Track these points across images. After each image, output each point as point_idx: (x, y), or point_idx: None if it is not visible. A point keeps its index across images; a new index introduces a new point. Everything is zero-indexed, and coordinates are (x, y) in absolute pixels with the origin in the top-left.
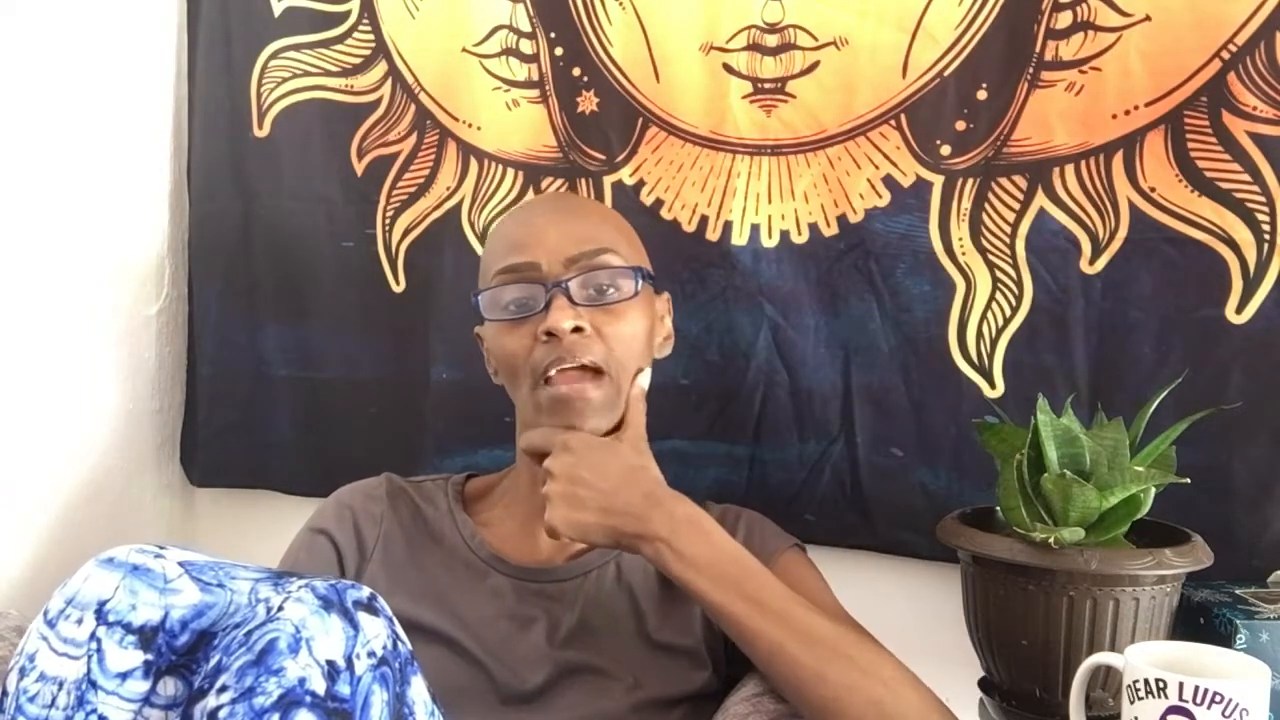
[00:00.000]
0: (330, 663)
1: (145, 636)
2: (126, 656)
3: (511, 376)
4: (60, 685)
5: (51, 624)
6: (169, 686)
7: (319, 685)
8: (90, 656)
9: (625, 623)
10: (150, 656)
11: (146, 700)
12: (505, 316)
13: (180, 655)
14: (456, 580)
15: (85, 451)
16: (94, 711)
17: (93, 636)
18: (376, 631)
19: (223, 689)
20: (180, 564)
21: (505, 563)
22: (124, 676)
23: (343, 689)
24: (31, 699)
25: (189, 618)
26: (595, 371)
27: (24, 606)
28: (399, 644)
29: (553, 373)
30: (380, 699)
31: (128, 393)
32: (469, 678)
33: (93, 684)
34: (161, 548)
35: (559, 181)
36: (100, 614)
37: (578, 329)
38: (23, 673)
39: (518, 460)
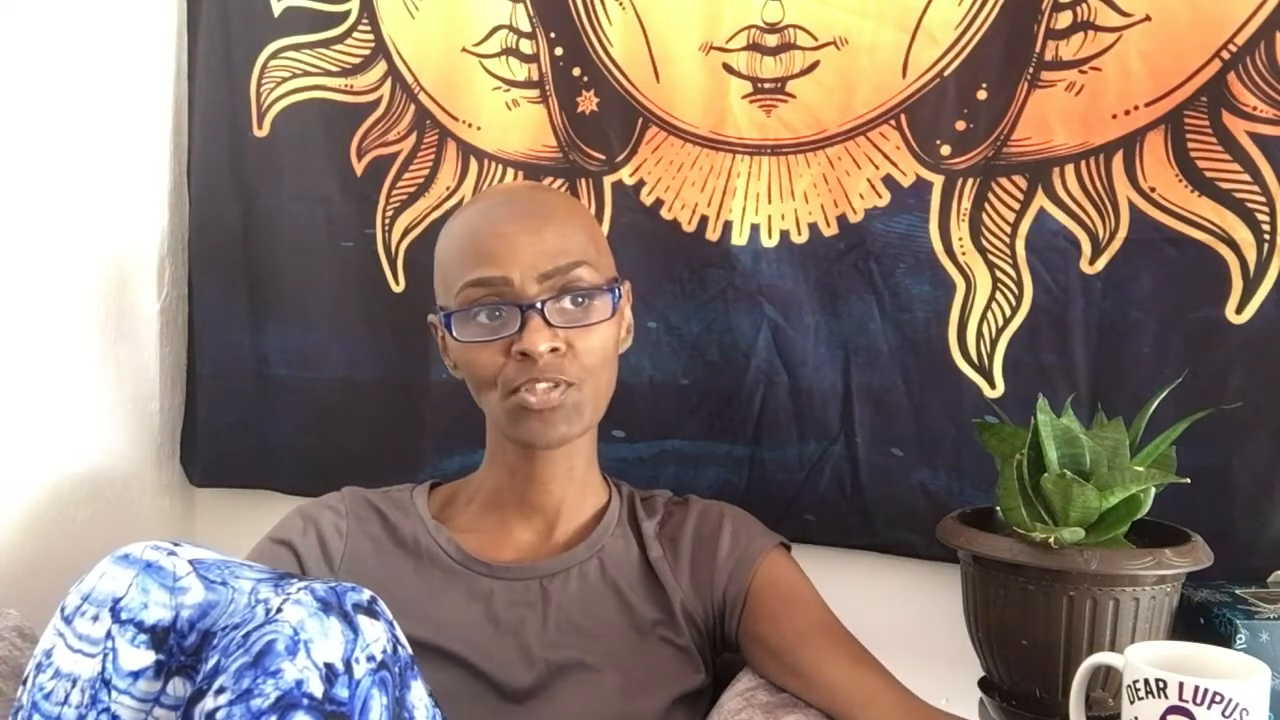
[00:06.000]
0: (329, 665)
1: (157, 636)
2: (139, 656)
3: (479, 387)
4: (74, 682)
5: (68, 620)
6: (178, 687)
7: (316, 688)
8: (106, 655)
9: (613, 617)
10: (162, 656)
11: (157, 700)
12: (478, 338)
13: (189, 655)
14: (433, 587)
15: (85, 451)
16: (106, 710)
17: (108, 635)
18: (376, 635)
19: (220, 690)
20: (190, 562)
21: (483, 564)
22: (136, 676)
23: (341, 692)
24: (47, 695)
25: (196, 617)
26: (567, 384)
27: (24, 606)
28: (399, 648)
29: (523, 388)
30: (379, 703)
31: (128, 393)
32: (458, 684)
33: (106, 683)
34: (176, 544)
35: (559, 181)
36: (115, 612)
37: (554, 349)
38: (39, 669)
39: (489, 460)
